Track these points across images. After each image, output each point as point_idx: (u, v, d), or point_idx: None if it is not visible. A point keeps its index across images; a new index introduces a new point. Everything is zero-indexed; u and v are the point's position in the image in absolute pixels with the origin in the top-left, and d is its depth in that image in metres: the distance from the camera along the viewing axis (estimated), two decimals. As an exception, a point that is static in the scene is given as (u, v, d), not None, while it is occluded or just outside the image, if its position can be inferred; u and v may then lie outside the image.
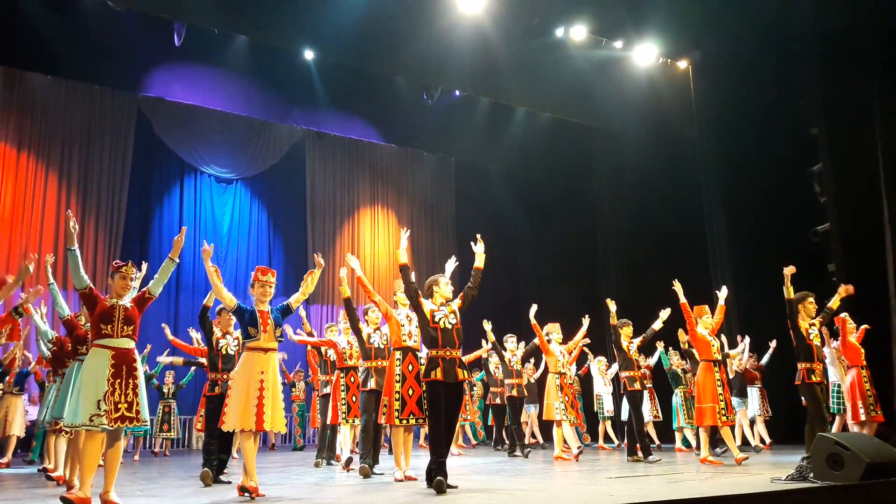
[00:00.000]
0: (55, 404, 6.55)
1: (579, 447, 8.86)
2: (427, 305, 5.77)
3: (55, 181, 13.79)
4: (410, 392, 6.22)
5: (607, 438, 12.40)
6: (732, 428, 8.39)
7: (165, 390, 11.62)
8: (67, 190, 13.89)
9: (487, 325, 9.71)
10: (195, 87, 13.97)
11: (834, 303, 7.18)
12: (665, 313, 8.64)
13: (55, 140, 13.90)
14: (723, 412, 7.73)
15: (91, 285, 5.01)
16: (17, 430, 9.64)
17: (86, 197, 14.05)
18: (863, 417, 7.65)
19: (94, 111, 14.32)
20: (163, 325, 8.98)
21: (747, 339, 10.65)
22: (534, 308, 9.22)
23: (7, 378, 9.61)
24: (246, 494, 5.16)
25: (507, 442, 10.94)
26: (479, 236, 6.09)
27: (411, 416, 6.22)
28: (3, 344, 8.57)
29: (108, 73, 13.30)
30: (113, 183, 14.39)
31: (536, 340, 9.38)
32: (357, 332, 7.20)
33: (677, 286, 8.00)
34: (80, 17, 11.83)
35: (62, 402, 4.90)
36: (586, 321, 9.41)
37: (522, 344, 10.60)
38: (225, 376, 6.53)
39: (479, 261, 6.00)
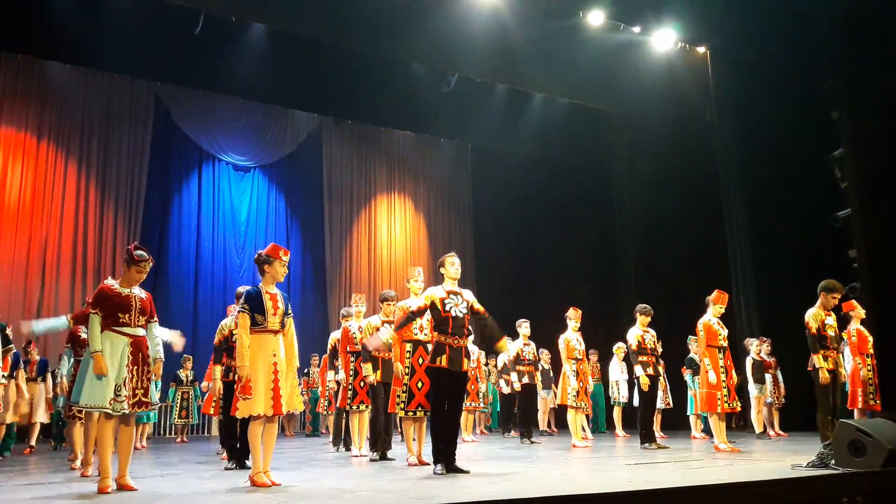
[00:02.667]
0: (70, 389, 6.58)
1: (584, 437, 8.81)
2: (437, 294, 5.77)
3: (74, 169, 13.90)
4: (420, 385, 6.26)
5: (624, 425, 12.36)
6: (732, 414, 8.33)
7: (183, 377, 11.70)
8: (87, 177, 14.00)
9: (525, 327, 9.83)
10: (213, 74, 14.02)
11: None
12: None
13: (75, 128, 14.00)
14: (725, 398, 7.67)
15: (97, 309, 4.95)
16: (41, 416, 9.74)
17: (105, 184, 14.15)
18: (860, 405, 7.59)
19: (114, 99, 14.41)
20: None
21: (767, 342, 10.71)
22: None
23: (28, 366, 9.73)
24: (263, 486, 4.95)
25: (513, 429, 10.94)
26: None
27: (419, 409, 6.26)
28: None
29: (126, 62, 13.37)
30: (132, 170, 14.48)
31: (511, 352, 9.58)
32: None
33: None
34: (100, 5, 11.88)
35: (78, 388, 4.94)
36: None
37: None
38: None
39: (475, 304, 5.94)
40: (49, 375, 10.03)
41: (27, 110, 13.52)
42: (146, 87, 14.63)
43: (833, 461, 5.24)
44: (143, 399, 4.89)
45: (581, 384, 8.92)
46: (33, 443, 9.74)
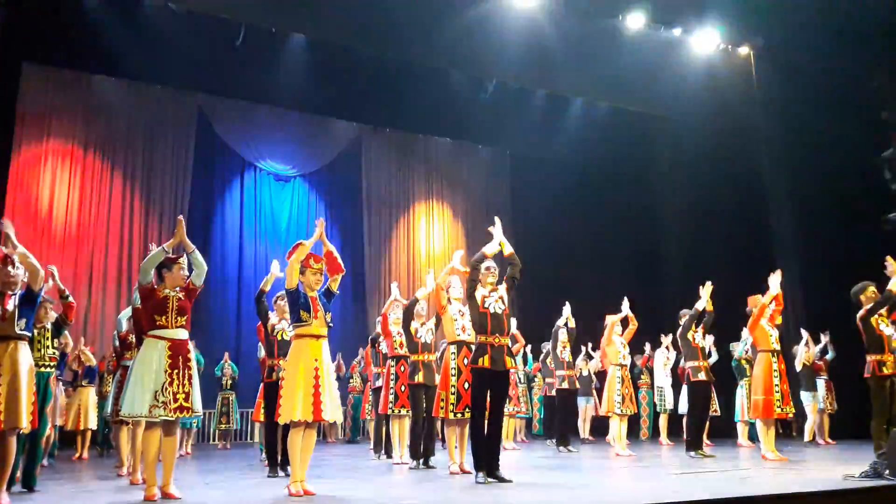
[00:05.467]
0: (118, 396, 6.68)
1: (626, 451, 8.64)
2: (479, 291, 5.84)
3: (120, 180, 14.17)
4: (466, 385, 6.23)
5: (668, 433, 12.14)
6: (786, 422, 8.12)
7: (224, 382, 11.81)
8: (132, 188, 14.26)
9: (566, 310, 9.63)
10: (254, 85, 14.22)
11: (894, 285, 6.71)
12: (706, 290, 8.17)
13: (120, 140, 14.27)
14: (779, 403, 7.48)
15: (153, 282, 5.09)
16: (91, 423, 9.89)
17: (150, 195, 14.40)
18: None
19: (157, 111, 14.65)
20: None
21: (806, 335, 10.42)
22: (626, 303, 9.08)
23: (77, 372, 9.91)
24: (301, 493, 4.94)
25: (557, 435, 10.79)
26: (497, 220, 6.11)
27: (467, 410, 6.23)
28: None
29: (169, 74, 13.62)
30: (176, 181, 14.71)
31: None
32: (407, 326, 7.30)
33: (774, 279, 7.72)
34: (143, 19, 12.12)
35: (124, 395, 5.02)
36: (625, 303, 9.14)
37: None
38: (281, 362, 6.48)
39: (505, 249, 6.02)
40: (97, 380, 10.19)
41: (75, 123, 13.83)
42: (189, 98, 14.86)
43: (888, 471, 5.08)
44: (185, 404, 4.87)
45: (627, 391, 8.82)
46: (86, 454, 9.84)
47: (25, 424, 4.70)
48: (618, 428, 8.80)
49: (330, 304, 5.30)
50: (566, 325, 9.74)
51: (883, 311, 6.64)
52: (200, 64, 13.21)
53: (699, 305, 8.20)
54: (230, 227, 15.36)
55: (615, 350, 8.93)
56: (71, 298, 6.17)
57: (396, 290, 8.08)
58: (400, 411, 7.67)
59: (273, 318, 7.01)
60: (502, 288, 5.93)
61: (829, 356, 10.78)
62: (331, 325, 5.22)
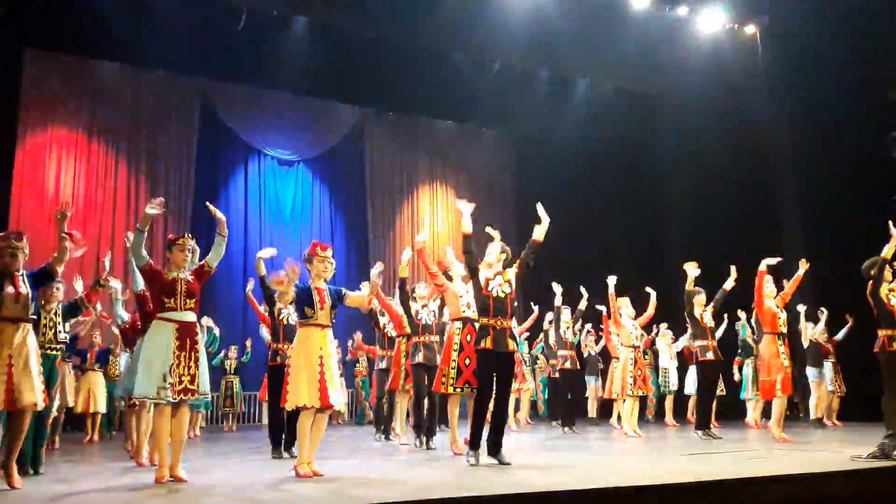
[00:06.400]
0: (127, 379, 6.71)
1: (636, 432, 8.67)
2: (483, 273, 5.73)
3: (125, 166, 14.16)
4: (467, 361, 6.26)
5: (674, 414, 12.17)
6: (790, 403, 8.17)
7: (227, 366, 11.87)
8: (136, 175, 14.24)
9: (558, 289, 9.56)
10: (256, 69, 14.15)
11: (888, 253, 6.62)
12: (735, 271, 8.28)
13: (123, 126, 14.24)
14: (780, 386, 7.52)
15: (150, 262, 5.11)
16: (101, 406, 9.95)
17: (154, 181, 14.39)
18: None
19: (161, 97, 14.60)
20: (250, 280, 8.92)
21: (825, 314, 10.43)
22: (613, 279, 9.03)
23: (87, 355, 9.96)
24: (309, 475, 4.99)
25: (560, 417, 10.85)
26: (541, 209, 5.93)
27: (466, 386, 6.25)
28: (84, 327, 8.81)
29: (172, 59, 13.57)
30: (180, 167, 14.69)
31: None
32: (406, 309, 7.35)
33: (768, 262, 7.77)
34: (145, 5, 12.09)
35: (133, 376, 5.06)
36: (653, 293, 9.21)
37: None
38: (286, 346, 6.54)
39: (538, 233, 5.85)
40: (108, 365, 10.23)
41: (78, 110, 13.80)
42: (192, 84, 14.80)
43: (895, 452, 5.09)
44: (190, 386, 4.90)
45: (639, 372, 8.82)
46: (96, 436, 9.89)
47: (42, 404, 4.78)
48: (630, 408, 8.83)
49: (338, 304, 5.30)
50: (570, 305, 9.76)
51: (895, 284, 6.54)
52: (203, 49, 13.16)
53: (727, 286, 8.29)
54: (235, 213, 15.34)
55: (627, 332, 8.94)
56: (102, 287, 6.32)
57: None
58: (411, 387, 7.70)
59: (279, 302, 7.07)
60: (511, 271, 5.80)
61: (838, 337, 10.75)
62: (333, 320, 5.25)
